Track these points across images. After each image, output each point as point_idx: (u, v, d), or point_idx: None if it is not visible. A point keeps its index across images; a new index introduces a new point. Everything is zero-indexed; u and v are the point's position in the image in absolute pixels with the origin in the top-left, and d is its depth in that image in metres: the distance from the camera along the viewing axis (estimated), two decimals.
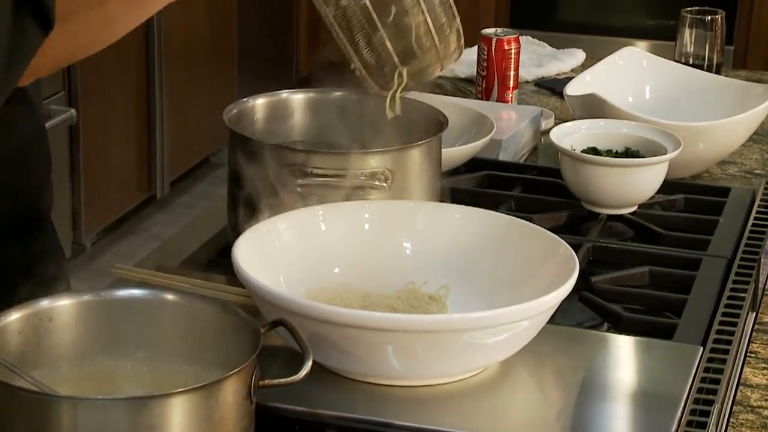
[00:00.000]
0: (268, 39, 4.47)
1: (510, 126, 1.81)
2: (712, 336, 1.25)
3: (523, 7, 4.34)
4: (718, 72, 2.05)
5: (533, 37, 2.47)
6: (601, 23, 4.20)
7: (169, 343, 1.08)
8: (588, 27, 4.14)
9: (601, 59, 1.95)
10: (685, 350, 1.22)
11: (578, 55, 2.36)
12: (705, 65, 2.06)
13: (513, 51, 2.00)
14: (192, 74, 3.92)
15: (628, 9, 4.25)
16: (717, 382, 1.17)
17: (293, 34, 4.68)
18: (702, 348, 1.23)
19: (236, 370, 0.97)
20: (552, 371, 1.20)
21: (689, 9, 2.08)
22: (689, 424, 1.10)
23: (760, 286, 1.43)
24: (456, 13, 1.00)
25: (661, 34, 3.85)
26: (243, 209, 1.37)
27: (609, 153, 1.62)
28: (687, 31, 2.07)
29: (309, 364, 1.00)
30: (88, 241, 3.60)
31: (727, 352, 1.22)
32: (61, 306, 1.07)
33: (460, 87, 2.19)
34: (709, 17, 2.06)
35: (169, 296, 1.10)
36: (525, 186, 1.67)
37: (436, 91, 2.14)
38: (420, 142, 1.37)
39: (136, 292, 1.10)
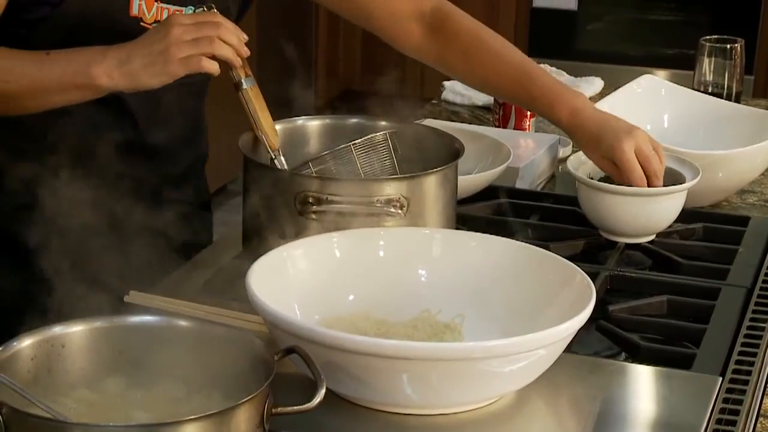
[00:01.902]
0: (287, 69, 4.48)
1: (527, 154, 1.80)
2: (731, 366, 1.24)
3: (542, 36, 4.34)
4: (737, 101, 2.04)
5: (552, 66, 2.46)
6: (620, 52, 4.19)
7: (182, 370, 1.07)
8: (607, 56, 4.14)
9: (620, 87, 1.94)
10: (703, 380, 1.21)
11: (596, 84, 2.35)
12: (724, 94, 2.04)
13: None
14: (210, 102, 3.93)
15: (647, 38, 4.25)
16: (736, 413, 1.16)
17: (312, 64, 4.70)
18: (721, 378, 1.21)
19: (249, 397, 0.97)
20: (568, 401, 1.19)
21: (708, 38, 2.07)
22: None
23: None
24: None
25: (680, 63, 3.85)
26: (258, 236, 1.36)
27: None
28: (706, 59, 2.06)
29: (322, 391, 1.00)
30: None
31: (746, 382, 1.21)
32: (74, 332, 1.07)
33: (477, 115, 2.19)
34: (729, 46, 2.05)
35: (182, 323, 1.09)
36: (542, 214, 1.66)
37: (453, 118, 2.13)
38: (436, 170, 1.37)
39: (148, 318, 1.10)
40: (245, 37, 1.35)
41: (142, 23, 1.43)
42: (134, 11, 1.43)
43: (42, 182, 1.37)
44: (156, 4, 1.43)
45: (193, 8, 1.46)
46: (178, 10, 1.45)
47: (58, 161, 1.41)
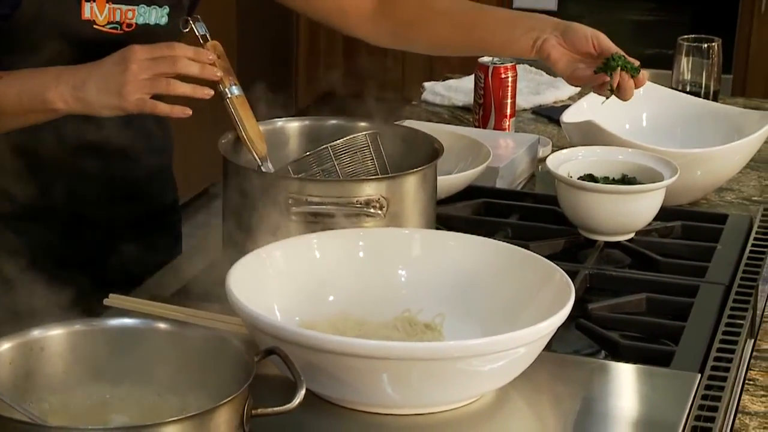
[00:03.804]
0: (268, 71, 4.47)
1: (507, 153, 1.81)
2: (710, 363, 1.25)
3: None
4: (715, 99, 2.05)
5: (531, 66, 2.47)
6: None
7: (162, 372, 1.07)
8: None
9: None
10: (682, 377, 1.21)
11: None
12: (702, 93, 2.05)
13: (510, 79, 2.00)
14: (191, 106, 3.93)
15: (627, 38, 4.24)
16: (715, 409, 1.16)
17: (292, 66, 4.69)
18: (700, 375, 1.22)
19: (228, 398, 0.97)
20: (549, 399, 1.19)
21: (686, 37, 2.08)
22: None
23: (758, 312, 1.42)
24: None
25: (660, 62, 3.85)
26: (237, 238, 1.36)
27: (606, 180, 1.61)
28: (684, 59, 2.07)
29: (302, 392, 1.00)
30: None
31: (725, 379, 1.22)
32: (53, 336, 1.07)
33: (457, 115, 2.19)
34: (706, 45, 2.06)
35: (162, 325, 1.09)
36: (522, 213, 1.66)
37: (433, 119, 2.14)
38: (415, 170, 1.37)
39: (128, 321, 1.10)
40: (211, 57, 1.35)
41: (95, 26, 1.43)
42: (86, 14, 1.42)
43: (5, 182, 1.37)
44: (107, 5, 1.43)
45: (145, 6, 1.45)
46: (130, 10, 1.44)
47: (23, 161, 1.41)
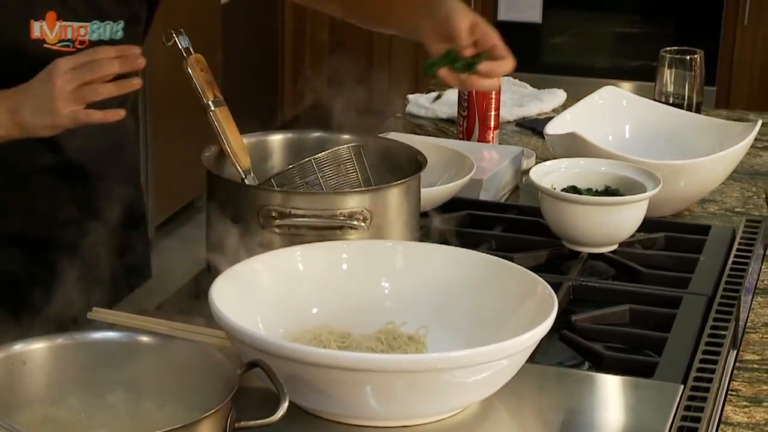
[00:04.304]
0: (252, 84, 4.48)
1: (491, 165, 1.81)
2: (693, 374, 1.25)
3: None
4: (697, 111, 2.06)
5: (515, 78, 2.48)
6: (584, 65, 4.22)
7: (145, 386, 1.07)
8: (571, 68, 4.16)
9: (582, 99, 1.95)
10: (665, 388, 1.22)
11: (559, 95, 2.36)
12: (685, 104, 2.06)
13: (494, 91, 2.01)
14: (176, 119, 3.93)
15: (611, 51, 4.28)
16: (698, 420, 1.16)
17: (277, 79, 4.70)
18: (683, 386, 1.22)
19: (211, 411, 0.97)
20: (532, 411, 1.19)
21: (669, 49, 2.09)
22: None
23: (741, 323, 1.42)
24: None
25: (644, 74, 3.87)
26: (221, 250, 1.36)
27: (589, 192, 1.62)
28: (667, 70, 2.08)
29: (285, 405, 1.00)
30: None
31: (707, 390, 1.22)
32: (36, 349, 1.06)
33: (441, 127, 2.20)
34: (689, 57, 2.07)
35: (145, 339, 1.09)
36: (505, 225, 1.66)
37: (417, 131, 2.14)
38: (399, 182, 1.37)
39: (111, 334, 1.10)
40: (136, 51, 1.33)
41: (45, 45, 1.41)
42: (35, 33, 1.40)
43: None
44: (58, 23, 1.41)
45: (98, 22, 1.44)
46: (82, 27, 1.43)
47: None
